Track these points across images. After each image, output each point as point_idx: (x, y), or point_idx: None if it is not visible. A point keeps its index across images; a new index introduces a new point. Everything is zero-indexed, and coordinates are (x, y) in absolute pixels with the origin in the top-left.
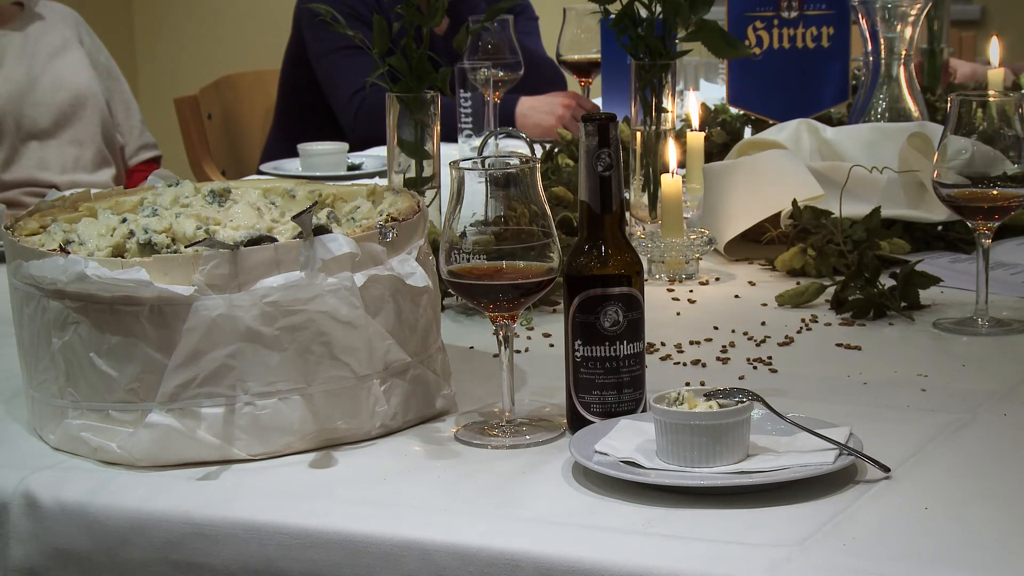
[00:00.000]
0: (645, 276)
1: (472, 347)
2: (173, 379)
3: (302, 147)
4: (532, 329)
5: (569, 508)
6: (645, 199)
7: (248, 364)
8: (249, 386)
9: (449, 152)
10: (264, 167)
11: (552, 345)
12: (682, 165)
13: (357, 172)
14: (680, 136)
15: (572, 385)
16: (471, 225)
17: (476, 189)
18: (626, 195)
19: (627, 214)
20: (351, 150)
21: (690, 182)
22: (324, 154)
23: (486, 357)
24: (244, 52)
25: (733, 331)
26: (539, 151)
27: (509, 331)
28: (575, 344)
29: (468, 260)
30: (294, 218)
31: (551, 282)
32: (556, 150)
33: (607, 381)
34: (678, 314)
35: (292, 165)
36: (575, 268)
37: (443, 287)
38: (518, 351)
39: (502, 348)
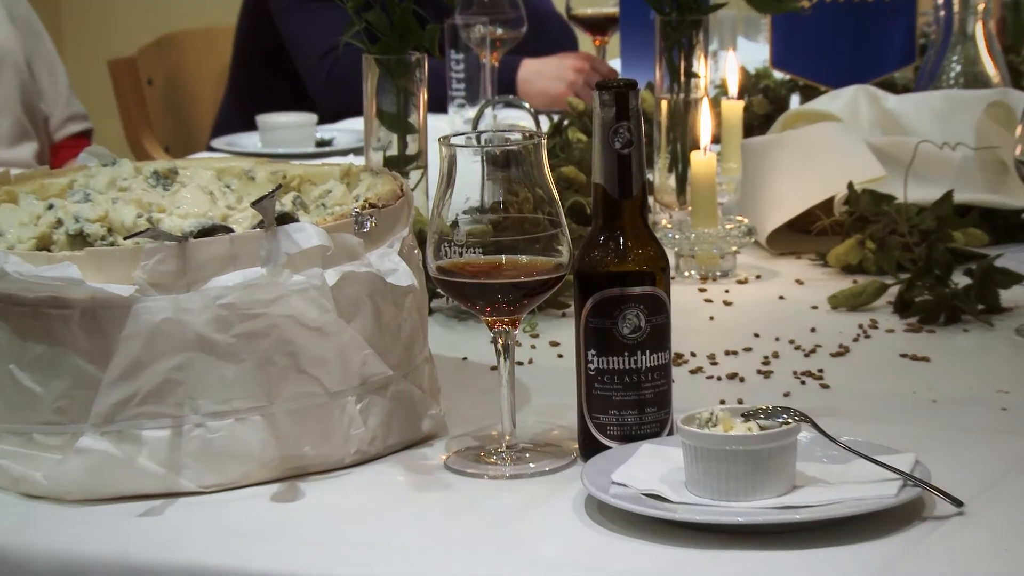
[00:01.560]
0: (672, 273)
1: (465, 358)
2: (109, 396)
3: (262, 119)
4: (537, 337)
5: (581, 550)
6: (672, 181)
7: (198, 378)
8: (199, 404)
9: (438, 125)
10: (216, 143)
11: (561, 356)
12: (716, 141)
13: (328, 149)
14: (714, 106)
15: (585, 403)
16: (464, 213)
17: (470, 170)
18: (649, 177)
19: (650, 199)
20: (321, 122)
21: (725, 161)
22: (288, 127)
23: (482, 370)
24: (192, 5)
25: (777, 339)
26: (545, 124)
27: (510, 339)
28: (588, 354)
29: (461, 254)
30: (253, 204)
31: (559, 280)
32: (566, 123)
33: (626, 398)
34: (711, 319)
35: (250, 140)
36: (588, 264)
37: (431, 286)
38: (520, 363)
39: (501, 359)
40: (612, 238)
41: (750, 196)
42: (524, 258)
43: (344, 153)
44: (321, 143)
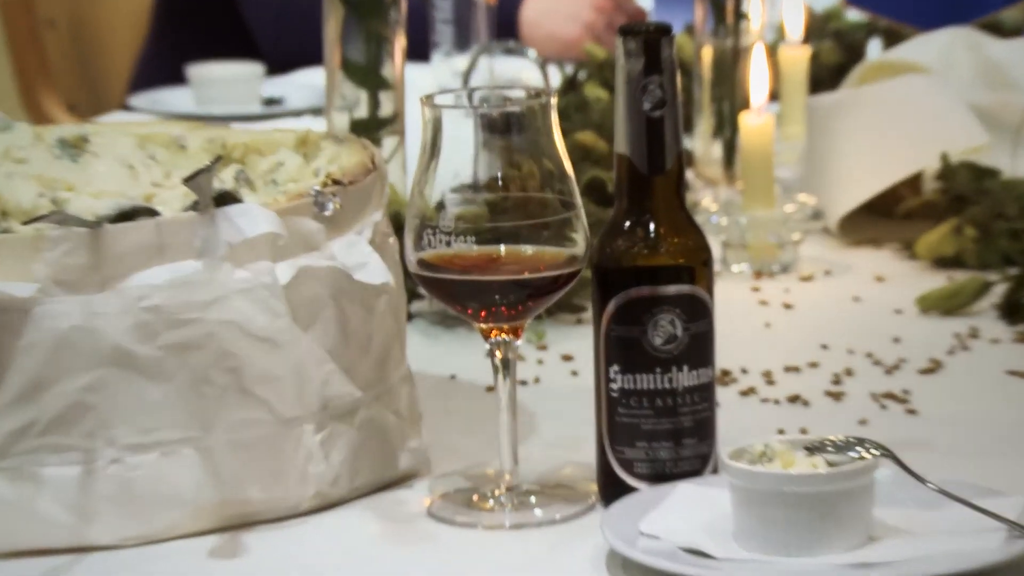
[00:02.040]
0: (717, 268)
1: (454, 376)
2: (1, 424)
3: (194, 71)
4: (545, 349)
5: None
6: (717, 151)
7: (115, 401)
8: (116, 434)
9: (420, 80)
10: (136, 101)
11: (575, 373)
12: (774, 99)
13: (278, 110)
14: (771, 55)
15: (606, 433)
16: (453, 191)
17: (460, 137)
18: (687, 145)
19: (689, 174)
20: (269, 74)
21: (785, 124)
22: (228, 81)
23: (475, 391)
24: None
25: (851, 351)
26: (556, 78)
27: (510, 352)
28: (610, 371)
29: (449, 244)
30: (185, 181)
31: (573, 277)
32: (582, 76)
33: (659, 427)
34: (767, 326)
35: (179, 98)
36: (610, 256)
37: (411, 285)
38: (523, 382)
39: (500, 377)
40: (640, 223)
41: (817, 170)
42: (528, 249)
43: (299, 115)
44: (270, 102)
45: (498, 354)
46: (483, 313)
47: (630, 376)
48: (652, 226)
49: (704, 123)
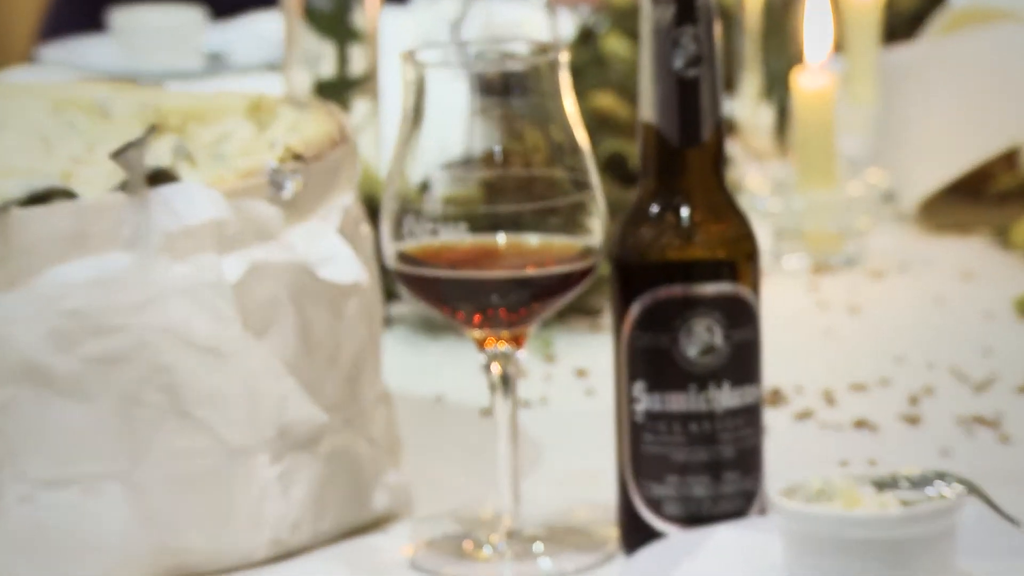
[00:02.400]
0: (765, 262)
1: (442, 396)
2: None
3: (118, 15)
4: (553, 361)
5: None
6: (766, 118)
7: (25, 426)
8: (27, 467)
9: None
10: (47, 53)
11: (590, 392)
12: (838, 53)
13: (224, 66)
14: None
15: (629, 466)
16: (441, 169)
17: (450, 102)
18: (728, 111)
19: (730, 146)
20: (213, 20)
21: (851, 85)
22: (161, 30)
23: (468, 414)
24: None
25: (931, 365)
26: (567, 27)
27: (511, 366)
28: (634, 389)
29: (436, 233)
30: (113, 156)
31: (588, 274)
32: (601, 26)
33: (694, 458)
34: (828, 333)
35: (100, 50)
36: (634, 248)
37: (389, 283)
38: (527, 403)
39: (498, 397)
40: (670, 208)
41: (891, 141)
42: (533, 239)
43: (249, 73)
44: (214, 56)
45: (496, 368)
46: (478, 318)
47: (658, 395)
48: (685, 211)
49: (750, 84)
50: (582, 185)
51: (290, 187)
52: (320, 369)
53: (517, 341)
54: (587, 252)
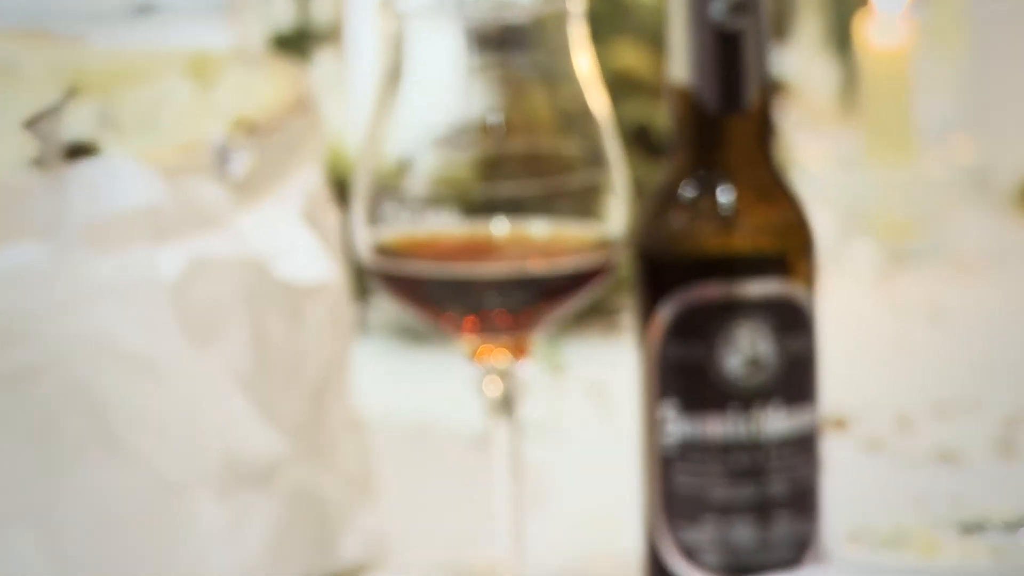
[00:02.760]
0: (824, 255)
1: (427, 420)
2: None
3: None
4: (561, 376)
5: None
6: (826, 77)
7: None
8: None
9: None
10: None
11: (608, 414)
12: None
13: (157, 15)
14: None
15: (658, 505)
16: (428, 141)
17: (438, 60)
18: (778, 70)
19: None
20: None
21: (933, 37)
22: None
23: (458, 442)
24: None
25: None
26: None
27: (511, 382)
28: (664, 411)
29: (420, 219)
30: (27, 125)
31: (605, 271)
32: None
33: (737, 496)
34: (903, 343)
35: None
36: (664, 238)
37: (362, 282)
38: (530, 428)
39: (495, 421)
40: (707, 189)
41: (982, 105)
42: (538, 227)
43: (189, 19)
44: (143, 7)
45: (493, 386)
46: (471, 324)
47: (693, 418)
48: (725, 192)
49: (806, 35)
50: (599, 161)
51: (240, 164)
52: (277, 387)
53: (519, 352)
54: (604, 243)
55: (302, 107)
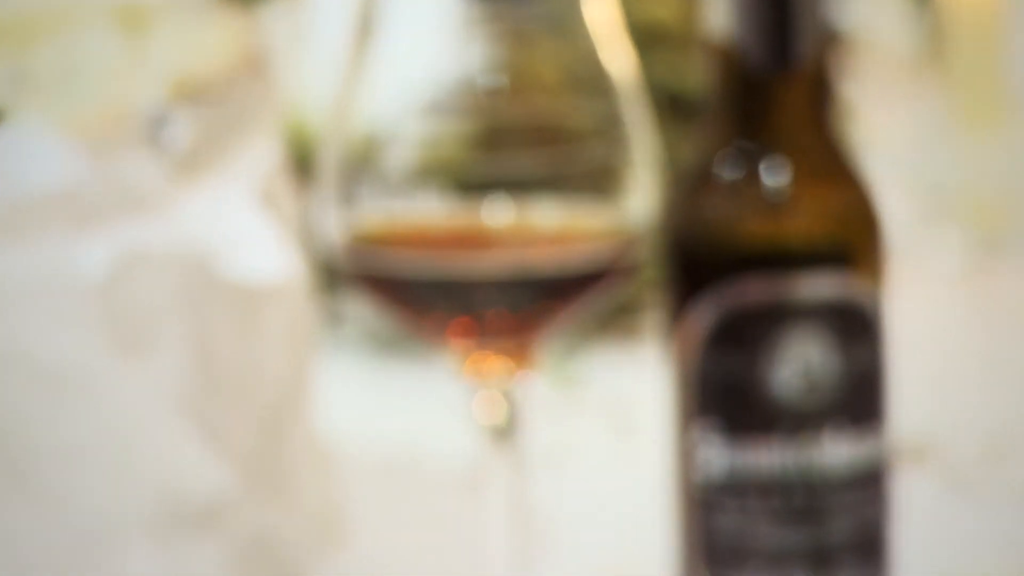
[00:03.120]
0: (898, 246)
1: (405, 449)
2: None
3: None
4: (571, 393)
5: None
6: (902, 32)
7: None
8: None
9: None
10: None
11: (628, 440)
12: None
13: None
14: None
15: (694, 551)
16: (411, 108)
17: (422, 8)
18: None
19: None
20: None
21: None
22: None
23: (447, 477)
24: None
25: None
26: None
27: (511, 403)
28: (701, 437)
29: (402, 204)
30: None
31: (625, 267)
32: None
33: (790, 542)
34: (995, 356)
35: None
36: (699, 225)
37: (330, 282)
38: (534, 457)
39: (491, 449)
40: (752, 165)
41: None
42: (545, 213)
43: None
44: None
45: (489, 408)
46: (463, 331)
47: (738, 446)
48: (775, 170)
49: None
50: (619, 132)
51: (179, 135)
52: (225, 409)
53: (521, 365)
54: (625, 232)
55: (253, 66)
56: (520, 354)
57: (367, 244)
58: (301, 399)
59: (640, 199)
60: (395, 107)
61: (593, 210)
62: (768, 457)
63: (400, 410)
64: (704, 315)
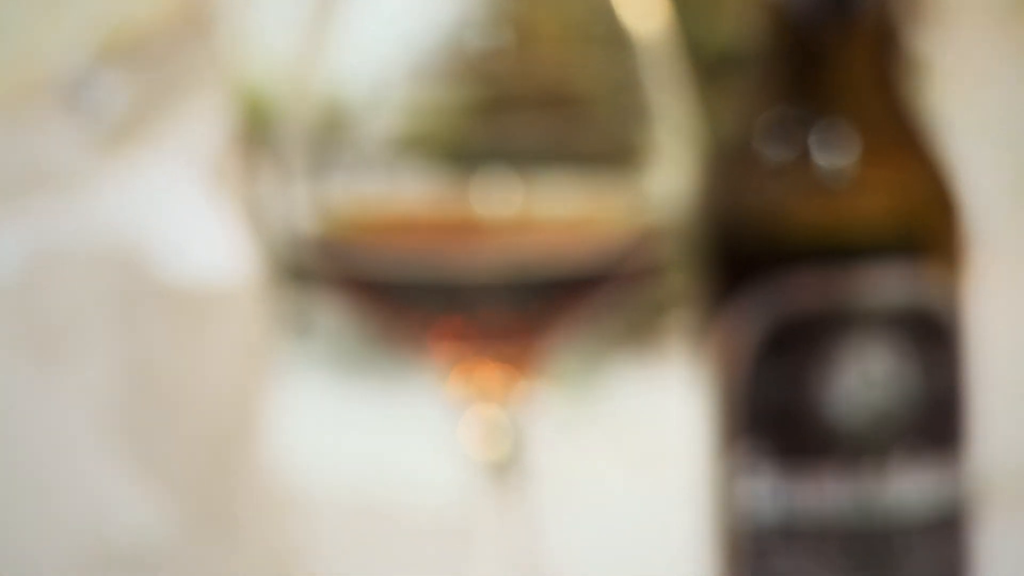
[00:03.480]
0: (988, 238)
1: (379, 484)
2: None
3: None
4: (581, 416)
5: None
6: None
7: None
8: None
9: None
10: None
11: (652, 470)
12: None
13: None
14: None
15: None
16: (392, 70)
17: None
18: None
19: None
20: None
21: None
22: None
23: (424, 522)
24: None
25: None
26: None
27: (510, 427)
28: (746, 468)
29: (380, 186)
30: None
31: (646, 261)
32: None
33: None
34: None
35: None
36: (743, 211)
37: (292, 281)
38: (535, 491)
39: (484, 489)
40: (804, 137)
41: None
42: (550, 196)
43: None
44: None
45: (484, 435)
46: (453, 336)
47: (793, 479)
48: (833, 142)
49: None
50: (640, 100)
51: (106, 102)
52: (161, 435)
53: (521, 378)
54: (647, 219)
55: (195, 19)
56: (521, 364)
57: (339, 233)
58: (254, 424)
59: (666, 179)
60: (374, 67)
61: (609, 192)
62: (830, 494)
63: (375, 438)
64: (751, 322)
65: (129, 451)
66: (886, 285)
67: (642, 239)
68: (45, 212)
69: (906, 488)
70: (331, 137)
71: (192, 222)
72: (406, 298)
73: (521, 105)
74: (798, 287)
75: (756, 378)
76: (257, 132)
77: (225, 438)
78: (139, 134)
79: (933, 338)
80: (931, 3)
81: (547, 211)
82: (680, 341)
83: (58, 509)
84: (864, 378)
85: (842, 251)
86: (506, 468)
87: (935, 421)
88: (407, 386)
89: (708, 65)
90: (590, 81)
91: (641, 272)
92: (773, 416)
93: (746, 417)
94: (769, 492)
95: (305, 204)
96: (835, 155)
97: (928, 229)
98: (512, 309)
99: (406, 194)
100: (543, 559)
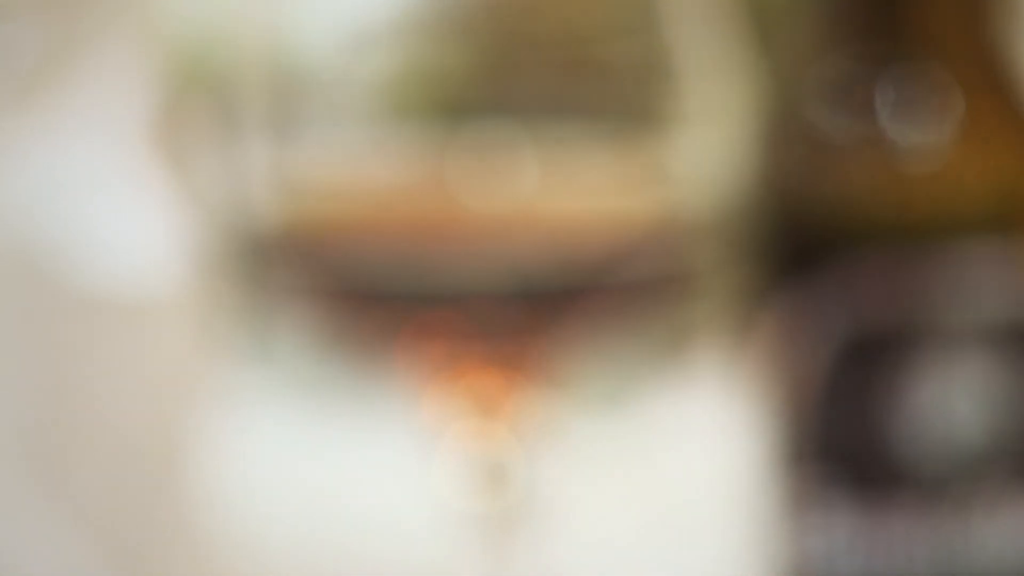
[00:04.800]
0: None
1: (343, 537)
2: None
3: None
4: (595, 441)
5: None
6: None
7: None
8: None
9: None
10: None
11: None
12: None
13: None
14: None
15: None
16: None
17: None
18: None
19: None
20: None
21: None
22: None
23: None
24: None
25: None
26: None
27: (505, 448)
28: (814, 508)
29: (360, 159)
30: None
31: (670, 257)
32: None
33: None
34: None
35: None
36: (802, 193)
37: (245, 285)
38: (537, 528)
39: (473, 518)
40: (880, 101)
41: None
42: (559, 182)
43: None
44: None
45: (471, 455)
46: (439, 341)
47: (868, 523)
48: (918, 117)
49: None
50: (667, 65)
51: (10, 51)
52: (74, 469)
53: (518, 390)
54: (675, 202)
55: None
56: (518, 376)
57: (305, 217)
58: (189, 457)
59: (700, 153)
60: (350, 19)
61: (627, 164)
62: (914, 542)
63: (340, 472)
64: (824, 331)
65: (35, 487)
66: (988, 289)
67: (668, 223)
68: None
69: (1012, 532)
70: (296, 98)
71: (112, 209)
72: (385, 294)
73: (533, 68)
74: (881, 289)
75: (828, 405)
76: (198, 92)
77: (154, 471)
78: (47, 96)
79: None
80: None
81: (552, 189)
82: (718, 353)
83: None
84: (960, 402)
85: (933, 244)
86: (495, 505)
87: None
88: (378, 407)
89: (759, 7)
90: (618, 39)
91: (668, 265)
92: (852, 448)
93: (816, 451)
94: (839, 534)
95: (262, 182)
96: (922, 124)
97: None
98: (511, 300)
99: (386, 169)
100: None
